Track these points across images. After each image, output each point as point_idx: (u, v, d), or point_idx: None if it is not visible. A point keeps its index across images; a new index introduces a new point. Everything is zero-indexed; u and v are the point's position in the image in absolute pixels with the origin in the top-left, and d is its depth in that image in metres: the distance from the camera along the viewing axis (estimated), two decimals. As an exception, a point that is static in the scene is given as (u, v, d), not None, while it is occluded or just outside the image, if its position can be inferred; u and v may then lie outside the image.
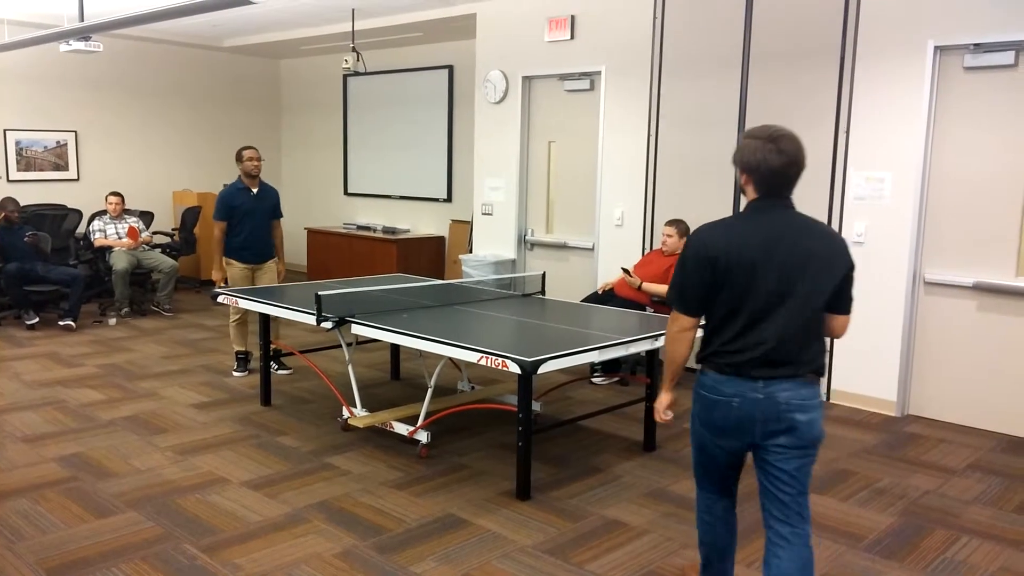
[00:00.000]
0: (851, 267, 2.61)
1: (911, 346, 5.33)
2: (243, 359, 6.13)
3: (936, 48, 5.03)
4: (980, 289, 5.03)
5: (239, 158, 6.05)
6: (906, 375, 5.35)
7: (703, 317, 2.67)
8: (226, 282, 6.06)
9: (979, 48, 4.88)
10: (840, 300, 2.62)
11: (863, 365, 5.45)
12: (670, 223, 5.87)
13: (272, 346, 5.80)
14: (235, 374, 6.05)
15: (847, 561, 3.38)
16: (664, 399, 2.79)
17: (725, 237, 2.58)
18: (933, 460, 4.57)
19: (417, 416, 4.50)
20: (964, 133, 5.03)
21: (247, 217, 5.98)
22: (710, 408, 2.63)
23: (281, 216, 6.28)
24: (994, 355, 5.01)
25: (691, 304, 2.63)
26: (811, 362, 2.60)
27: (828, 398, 5.63)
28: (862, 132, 5.35)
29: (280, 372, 6.10)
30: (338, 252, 9.59)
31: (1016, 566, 3.36)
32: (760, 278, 2.52)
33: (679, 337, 2.69)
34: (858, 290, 5.49)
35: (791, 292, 2.53)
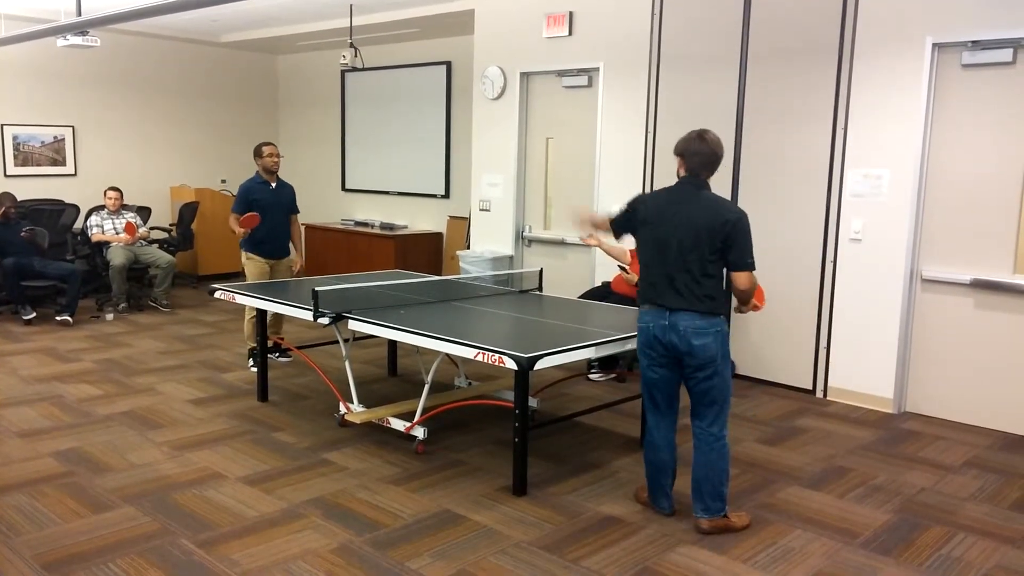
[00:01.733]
0: (729, 233, 3.40)
1: (908, 343, 5.34)
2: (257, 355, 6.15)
3: (934, 45, 5.03)
4: (977, 286, 5.03)
5: (258, 153, 6.09)
6: (903, 372, 5.35)
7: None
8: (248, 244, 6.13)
9: (977, 45, 4.88)
10: (729, 258, 3.45)
11: (860, 362, 5.46)
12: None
13: (273, 340, 5.90)
14: (252, 369, 6.09)
15: (843, 558, 3.38)
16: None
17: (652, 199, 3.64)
18: (930, 457, 4.58)
19: (414, 412, 4.50)
20: (962, 130, 5.03)
21: (266, 212, 6.01)
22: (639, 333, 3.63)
23: (298, 211, 6.33)
24: (991, 352, 5.02)
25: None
26: (703, 299, 3.44)
27: (825, 395, 5.64)
28: (860, 129, 5.35)
29: (281, 359, 6.22)
30: (336, 248, 9.58)
31: (1012, 563, 3.37)
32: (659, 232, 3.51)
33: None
34: (855, 286, 5.50)
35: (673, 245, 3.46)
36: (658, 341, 3.52)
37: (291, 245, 6.30)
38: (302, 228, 6.28)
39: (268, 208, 6.04)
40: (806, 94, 5.56)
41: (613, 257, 5.62)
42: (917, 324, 5.30)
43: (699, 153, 3.52)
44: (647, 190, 6.40)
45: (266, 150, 6.08)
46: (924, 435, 4.93)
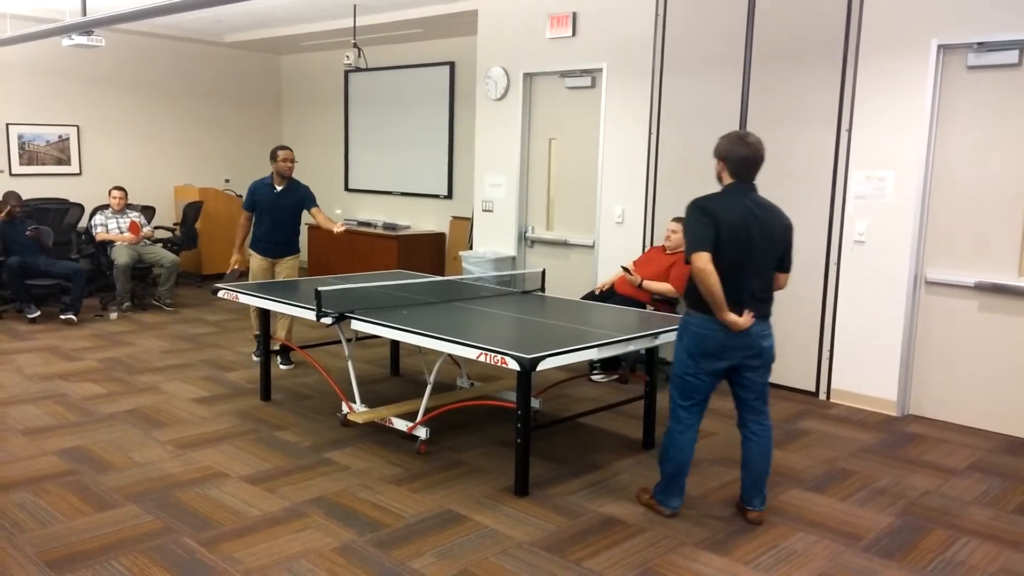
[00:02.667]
0: (788, 237, 3.61)
1: (912, 346, 5.33)
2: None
3: (939, 47, 5.02)
4: (982, 289, 5.02)
5: (273, 156, 6.14)
6: (907, 375, 5.34)
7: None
8: (243, 272, 6.31)
9: (983, 47, 4.87)
10: (784, 260, 3.62)
11: (863, 364, 5.45)
12: (677, 219, 5.86)
13: (280, 343, 5.96)
14: (254, 358, 6.14)
15: (845, 561, 3.38)
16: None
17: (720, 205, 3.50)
18: (933, 460, 4.57)
19: (416, 412, 4.50)
20: (967, 132, 5.02)
21: (266, 212, 6.13)
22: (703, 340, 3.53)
23: (314, 205, 6.28)
24: (995, 355, 5.01)
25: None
26: (768, 302, 3.57)
27: (828, 397, 5.63)
28: (864, 131, 5.34)
29: (283, 366, 6.14)
30: (338, 248, 9.59)
31: (1015, 567, 3.36)
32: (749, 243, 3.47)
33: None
34: (858, 289, 5.50)
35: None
36: (725, 347, 3.49)
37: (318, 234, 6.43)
38: (325, 218, 6.25)
39: (267, 210, 6.12)
40: (810, 96, 5.55)
41: (655, 292, 5.67)
42: (921, 327, 5.29)
43: (746, 158, 3.50)
44: (650, 191, 6.40)
45: (280, 154, 6.11)
46: (928, 438, 4.93)
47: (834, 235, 5.51)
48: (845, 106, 5.40)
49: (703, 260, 3.39)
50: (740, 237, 3.43)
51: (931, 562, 3.38)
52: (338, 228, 6.05)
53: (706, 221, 3.44)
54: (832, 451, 4.66)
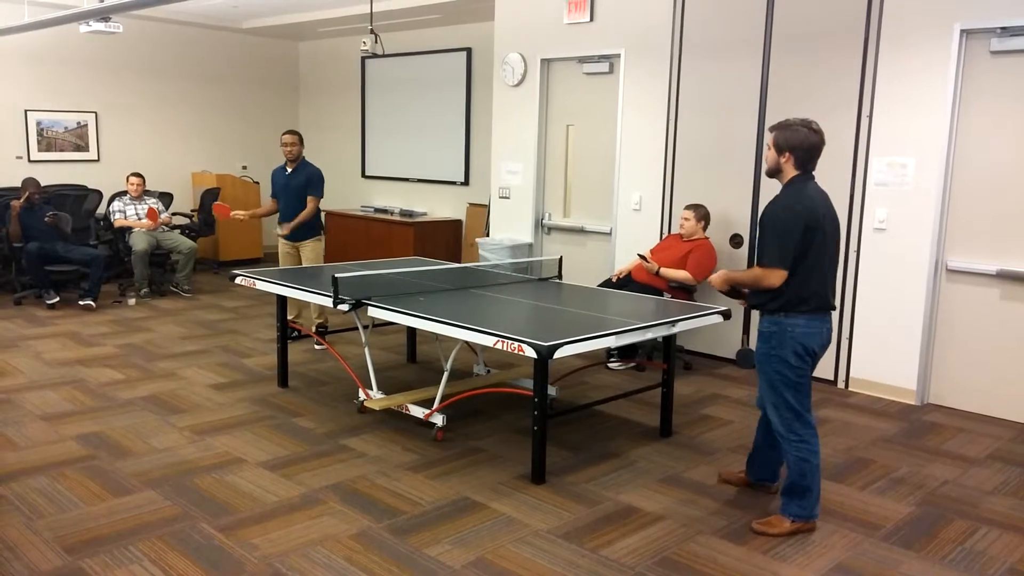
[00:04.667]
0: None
1: (932, 334, 5.27)
2: (321, 331, 6.47)
3: (962, 31, 4.94)
4: (1004, 277, 4.96)
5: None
6: (926, 363, 5.29)
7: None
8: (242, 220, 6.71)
9: (1006, 32, 4.79)
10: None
11: (883, 353, 5.40)
12: (689, 207, 5.83)
13: (316, 324, 6.32)
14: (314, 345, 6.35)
15: (864, 550, 3.35)
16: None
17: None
18: (952, 449, 4.53)
19: (433, 399, 4.50)
20: (989, 119, 4.94)
21: (279, 193, 6.45)
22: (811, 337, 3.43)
23: (316, 195, 6.36)
24: (1017, 344, 4.95)
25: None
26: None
27: (847, 385, 5.58)
28: (885, 117, 5.27)
29: (317, 347, 6.33)
30: (355, 235, 9.60)
31: (1036, 557, 3.33)
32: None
33: None
34: (878, 276, 5.44)
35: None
36: (827, 341, 3.49)
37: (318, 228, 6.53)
38: (316, 210, 6.37)
39: (280, 192, 6.44)
40: (831, 81, 5.48)
41: (672, 279, 5.66)
42: (941, 315, 5.24)
43: (817, 146, 3.37)
44: (668, 179, 6.35)
45: (282, 139, 6.39)
46: (947, 427, 4.88)
47: (854, 222, 5.45)
48: (866, 92, 5.33)
49: (779, 278, 3.32)
50: (828, 232, 3.38)
51: (951, 552, 3.35)
52: (282, 231, 6.34)
53: (802, 227, 3.30)
54: (851, 440, 4.62)
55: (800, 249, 3.31)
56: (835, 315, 5.55)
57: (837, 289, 5.54)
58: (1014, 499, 3.88)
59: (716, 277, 3.66)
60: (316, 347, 6.30)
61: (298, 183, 6.33)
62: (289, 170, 6.37)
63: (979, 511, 3.75)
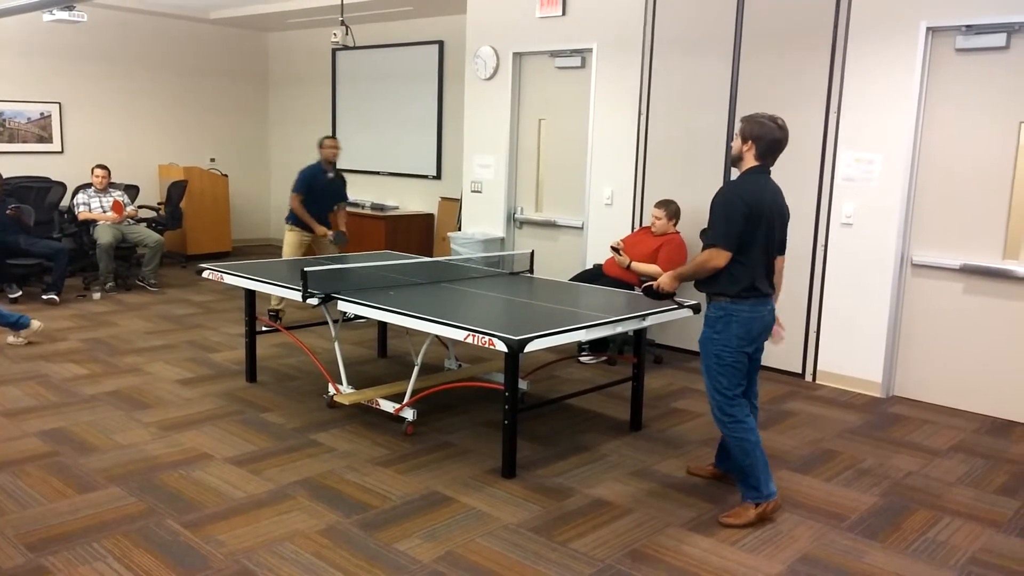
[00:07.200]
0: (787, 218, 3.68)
1: (897, 328, 5.34)
2: (273, 316, 6.72)
3: (928, 29, 5.00)
4: (967, 271, 5.04)
5: (320, 145, 6.75)
6: (892, 356, 5.36)
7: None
8: (335, 235, 6.79)
9: (971, 29, 4.86)
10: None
11: (849, 346, 5.46)
12: (659, 204, 5.84)
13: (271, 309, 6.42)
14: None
15: (830, 540, 3.39)
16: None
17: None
18: (917, 441, 4.59)
19: (403, 394, 4.48)
20: (955, 115, 5.02)
21: (320, 196, 6.71)
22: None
23: (345, 200, 7.00)
24: (980, 337, 5.03)
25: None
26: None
27: (814, 378, 5.65)
28: (853, 113, 5.33)
29: (358, 319, 6.47)
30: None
31: (997, 547, 3.39)
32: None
33: None
34: (845, 271, 5.50)
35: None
36: (766, 327, 3.61)
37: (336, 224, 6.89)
38: (340, 218, 6.99)
39: (322, 194, 6.71)
40: (799, 78, 5.53)
41: (643, 274, 5.67)
42: (907, 309, 5.31)
43: (779, 141, 3.51)
44: (639, 173, 6.38)
45: (327, 143, 6.71)
46: (911, 419, 4.95)
47: (822, 217, 5.51)
48: (834, 89, 5.39)
49: (724, 259, 3.44)
50: (771, 223, 3.51)
51: (914, 542, 3.40)
52: (324, 232, 6.70)
53: (746, 213, 3.42)
54: (817, 432, 4.67)
55: (745, 237, 3.44)
56: (803, 309, 5.64)
57: (803, 283, 5.61)
58: (976, 490, 3.95)
59: (664, 279, 3.77)
60: (263, 328, 6.24)
61: (336, 187, 6.79)
62: (330, 175, 6.70)
63: (942, 501, 3.81)
